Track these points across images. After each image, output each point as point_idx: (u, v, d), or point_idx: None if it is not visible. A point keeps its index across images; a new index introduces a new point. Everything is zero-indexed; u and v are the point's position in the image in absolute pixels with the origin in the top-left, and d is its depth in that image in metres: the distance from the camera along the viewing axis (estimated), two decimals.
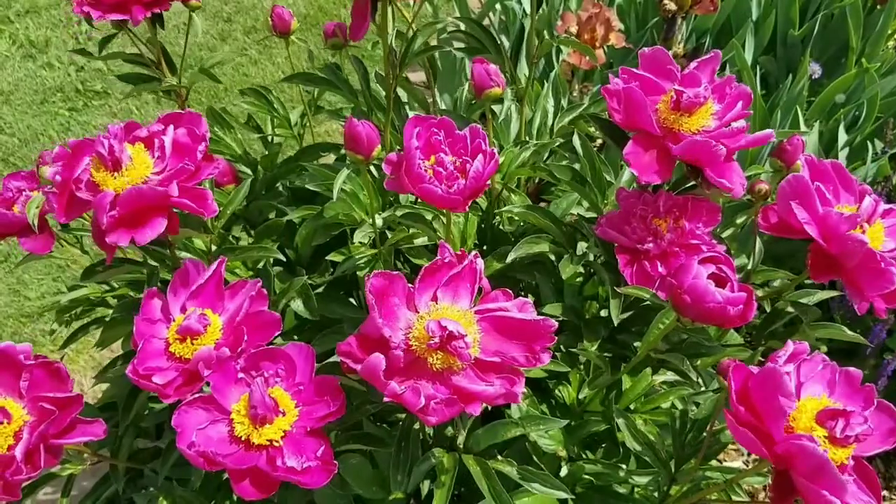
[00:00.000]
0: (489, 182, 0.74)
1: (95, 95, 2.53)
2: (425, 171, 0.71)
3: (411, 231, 0.86)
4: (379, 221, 0.88)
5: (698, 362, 0.93)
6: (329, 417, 0.64)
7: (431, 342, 0.61)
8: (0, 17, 2.79)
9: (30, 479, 0.62)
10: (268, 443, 0.62)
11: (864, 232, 0.77)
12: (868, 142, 1.54)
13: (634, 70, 0.81)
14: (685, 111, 0.79)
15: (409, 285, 0.65)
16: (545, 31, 1.57)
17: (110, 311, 0.94)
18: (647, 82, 0.81)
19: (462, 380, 0.63)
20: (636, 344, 0.89)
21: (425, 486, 0.89)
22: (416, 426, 0.77)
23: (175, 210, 0.69)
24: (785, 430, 0.63)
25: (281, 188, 1.02)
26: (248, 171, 1.04)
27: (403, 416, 0.80)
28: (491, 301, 0.68)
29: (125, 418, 0.84)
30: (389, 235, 0.87)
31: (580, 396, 0.92)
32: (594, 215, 0.97)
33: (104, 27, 1.02)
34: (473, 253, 0.67)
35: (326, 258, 0.86)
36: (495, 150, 0.72)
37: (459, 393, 0.62)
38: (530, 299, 0.69)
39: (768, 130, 0.83)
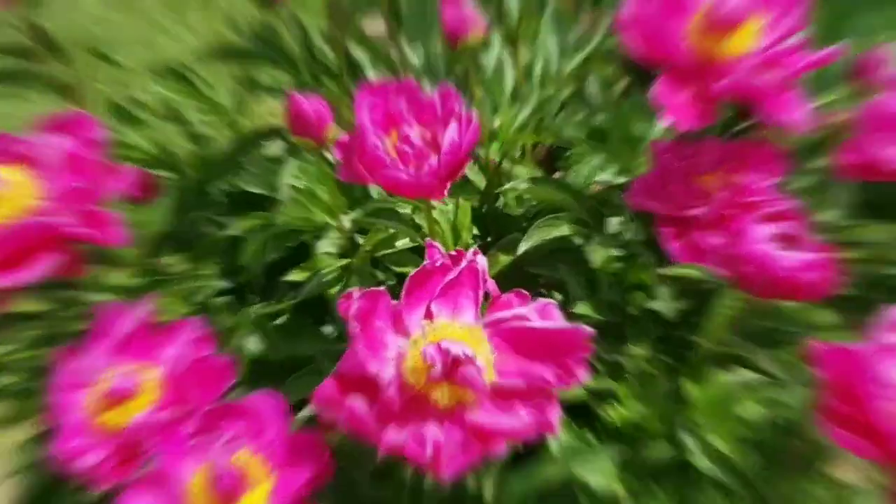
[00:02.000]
0: (480, 154, 0.74)
1: None
2: (385, 152, 0.70)
3: (391, 231, 0.86)
4: (347, 223, 0.88)
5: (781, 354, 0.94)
6: (312, 483, 0.64)
7: (432, 373, 0.60)
8: None
9: None
10: None
11: None
12: None
13: None
14: (723, 31, 0.79)
15: (395, 302, 0.65)
16: None
17: (11, 380, 0.94)
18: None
19: (479, 415, 0.62)
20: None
21: None
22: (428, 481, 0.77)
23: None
24: None
25: (218, 193, 1.02)
26: (172, 175, 1.04)
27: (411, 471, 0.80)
28: (503, 308, 0.67)
29: None
30: (362, 240, 0.87)
31: (633, 419, 0.93)
32: (625, 180, 0.97)
33: None
34: (472, 250, 0.66)
35: (284, 279, 0.86)
36: (473, 114, 0.72)
37: (477, 433, 0.61)
38: (554, 300, 0.69)
39: (838, 45, 0.83)
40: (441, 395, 0.61)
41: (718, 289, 0.82)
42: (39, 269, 0.67)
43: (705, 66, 0.79)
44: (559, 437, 0.87)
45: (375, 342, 0.63)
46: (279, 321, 0.90)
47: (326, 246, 0.88)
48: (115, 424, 0.67)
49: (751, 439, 0.86)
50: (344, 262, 0.87)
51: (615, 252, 0.96)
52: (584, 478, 0.87)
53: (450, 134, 0.70)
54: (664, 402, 0.92)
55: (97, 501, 0.92)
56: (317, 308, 0.96)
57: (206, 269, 0.87)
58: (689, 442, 0.82)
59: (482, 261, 0.66)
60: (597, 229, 0.89)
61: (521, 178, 0.91)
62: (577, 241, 0.94)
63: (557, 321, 0.65)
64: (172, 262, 0.99)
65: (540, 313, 0.66)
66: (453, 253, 0.66)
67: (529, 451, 0.88)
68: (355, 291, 0.62)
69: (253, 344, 0.83)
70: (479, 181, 0.98)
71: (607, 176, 1.00)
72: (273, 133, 1.02)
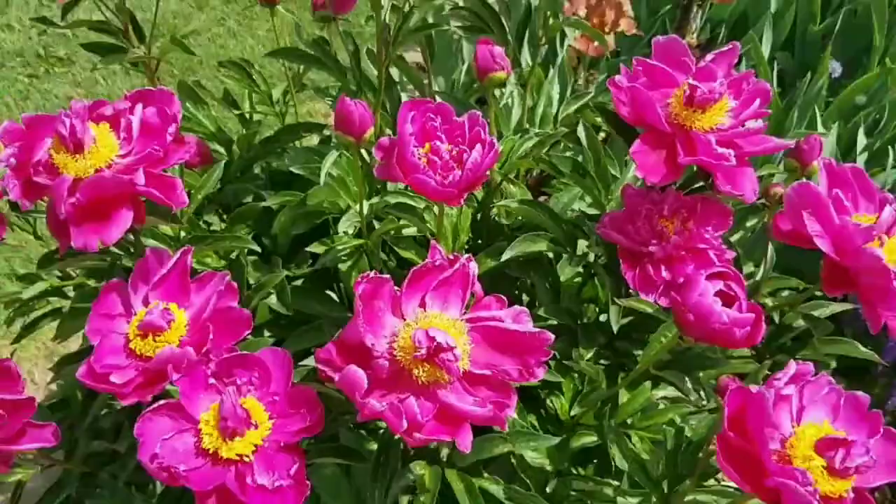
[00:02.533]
0: (488, 173, 0.74)
1: (58, 62, 2.51)
2: (419, 158, 0.71)
3: (400, 222, 0.86)
4: (366, 209, 0.87)
5: (701, 374, 0.94)
6: (305, 432, 0.64)
7: (418, 353, 0.60)
8: None
9: None
10: (237, 458, 0.61)
11: (882, 245, 0.77)
12: (889, 147, 1.56)
13: (648, 60, 0.81)
14: (699, 107, 0.79)
15: (396, 289, 0.65)
16: (552, 14, 1.58)
17: (67, 303, 0.93)
18: (660, 73, 0.81)
19: (449, 395, 0.63)
20: (637, 352, 0.90)
21: (404, 501, 0.89)
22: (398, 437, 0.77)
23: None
24: (781, 459, 0.63)
25: (259, 171, 1.02)
26: (223, 150, 1.03)
27: (384, 425, 0.80)
28: (484, 308, 0.68)
29: (81, 421, 0.83)
30: (377, 226, 0.86)
31: (572, 412, 0.93)
32: (597, 212, 0.97)
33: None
34: (466, 256, 0.67)
35: (307, 249, 0.86)
36: (495, 140, 0.72)
37: (446, 411, 0.62)
38: (526, 302, 0.69)
39: (786, 139, 0.83)
40: (422, 373, 0.61)
41: (660, 318, 0.83)
42: (121, 226, 0.66)
43: (679, 135, 0.80)
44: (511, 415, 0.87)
45: (375, 319, 0.63)
46: (296, 283, 0.89)
47: (346, 226, 0.87)
48: (144, 352, 0.66)
49: (664, 445, 0.86)
50: (358, 241, 0.87)
51: (580, 269, 0.97)
52: (524, 453, 0.87)
53: (474, 154, 0.72)
54: (600, 401, 0.93)
55: (124, 409, 0.91)
56: (330, 278, 0.95)
57: (241, 233, 0.86)
58: (611, 439, 0.82)
59: (473, 267, 0.67)
60: (568, 249, 0.89)
61: (514, 198, 0.91)
62: (551, 255, 0.95)
63: (526, 326, 0.66)
64: (215, 222, 0.98)
65: (513, 318, 0.67)
66: (451, 256, 0.67)
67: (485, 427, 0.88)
68: (370, 278, 0.63)
69: (271, 300, 0.83)
70: (479, 193, 0.98)
71: (584, 205, 1.00)
72: (315, 127, 1.01)
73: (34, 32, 2.57)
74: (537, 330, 0.65)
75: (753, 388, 0.66)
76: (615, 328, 0.85)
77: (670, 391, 0.93)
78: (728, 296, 0.71)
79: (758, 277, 0.95)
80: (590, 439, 0.90)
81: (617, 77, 0.81)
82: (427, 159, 0.71)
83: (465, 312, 0.67)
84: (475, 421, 0.62)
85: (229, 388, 0.63)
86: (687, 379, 0.81)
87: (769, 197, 0.91)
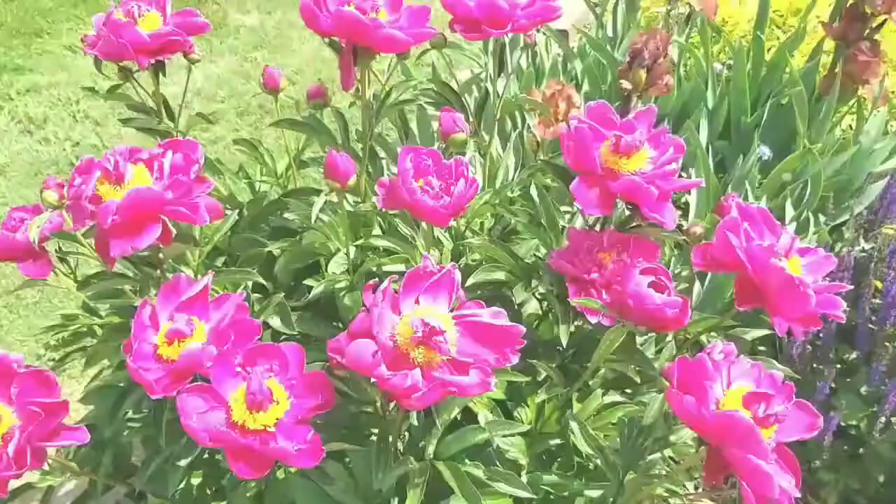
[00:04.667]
0: (466, 206, 0.84)
1: None
2: (417, 188, 0.82)
3: (382, 260, 0.95)
4: (352, 252, 0.97)
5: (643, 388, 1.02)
6: (318, 409, 0.73)
7: (415, 336, 0.69)
8: (1, 95, 2.93)
9: (16, 476, 0.69)
10: (262, 427, 0.70)
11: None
12: (812, 216, 1.66)
13: (581, 117, 0.92)
14: (624, 154, 0.90)
15: (395, 292, 0.74)
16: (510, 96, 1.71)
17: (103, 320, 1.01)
18: (592, 128, 0.92)
19: (441, 374, 0.71)
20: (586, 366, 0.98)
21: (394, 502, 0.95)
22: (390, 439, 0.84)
23: (168, 221, 0.78)
24: None
25: (265, 226, 1.11)
26: (234, 209, 1.13)
27: (377, 431, 0.87)
28: (466, 309, 0.77)
29: (110, 422, 0.90)
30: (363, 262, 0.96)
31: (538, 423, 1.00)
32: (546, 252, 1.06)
33: (105, 88, 1.13)
34: (452, 264, 0.76)
35: (303, 282, 0.94)
36: (476, 178, 0.83)
37: (439, 384, 0.70)
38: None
39: (699, 179, 0.94)
40: (418, 354, 0.70)
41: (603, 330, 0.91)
42: (150, 235, 0.76)
43: (608, 175, 0.90)
44: (487, 415, 0.94)
45: (380, 317, 0.71)
46: (296, 313, 0.98)
47: (335, 266, 0.96)
48: (170, 356, 0.75)
49: (615, 439, 0.94)
50: (347, 277, 0.96)
51: (538, 312, 1.06)
52: (501, 446, 0.94)
53: (459, 187, 0.84)
54: (559, 410, 1.00)
55: (143, 427, 0.98)
56: (326, 314, 1.04)
57: (247, 269, 0.94)
58: (574, 426, 0.89)
59: (457, 274, 0.77)
60: (524, 279, 0.97)
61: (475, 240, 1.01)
62: (514, 298, 1.03)
63: (502, 320, 0.75)
64: (223, 267, 1.07)
65: (491, 315, 0.76)
66: (440, 265, 0.76)
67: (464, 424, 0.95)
68: (373, 283, 0.73)
69: (274, 322, 0.91)
70: (448, 242, 1.07)
71: (539, 253, 1.10)
72: (314, 192, 1.11)
73: (68, 144, 2.72)
74: (511, 324, 0.74)
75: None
76: (564, 343, 0.93)
77: (617, 398, 1.01)
78: (659, 286, 0.82)
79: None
80: (554, 441, 0.97)
81: (564, 128, 0.92)
82: (422, 189, 0.82)
83: (451, 311, 0.75)
84: (465, 389, 0.70)
85: (256, 368, 0.71)
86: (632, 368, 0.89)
87: (691, 236, 1.01)
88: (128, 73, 1.05)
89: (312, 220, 0.88)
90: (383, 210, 0.87)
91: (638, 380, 0.89)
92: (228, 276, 0.92)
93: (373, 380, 0.68)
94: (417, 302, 0.74)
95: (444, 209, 0.83)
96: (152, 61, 0.97)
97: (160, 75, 1.03)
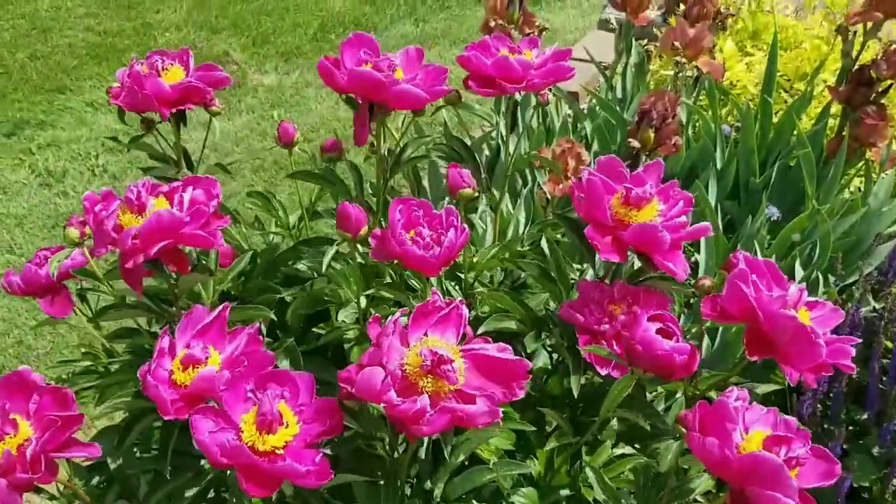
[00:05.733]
0: (460, 255, 0.85)
1: None
2: (406, 238, 0.82)
3: (392, 310, 0.95)
4: (363, 302, 0.98)
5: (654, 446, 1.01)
6: (326, 434, 0.73)
7: (423, 364, 0.69)
8: (23, 149, 2.99)
9: (29, 482, 0.70)
10: (271, 450, 0.70)
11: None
12: (822, 276, 1.66)
13: (592, 171, 0.94)
14: (634, 206, 0.91)
15: (404, 326, 0.75)
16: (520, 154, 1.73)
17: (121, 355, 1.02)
18: (602, 181, 0.93)
19: (450, 403, 0.71)
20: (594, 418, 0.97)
21: None
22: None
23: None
24: None
25: (278, 275, 1.12)
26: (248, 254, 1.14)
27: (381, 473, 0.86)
28: (473, 343, 0.77)
29: (117, 450, 0.89)
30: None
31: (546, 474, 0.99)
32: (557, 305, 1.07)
33: (126, 136, 1.16)
34: (459, 299, 0.77)
35: (313, 329, 0.95)
36: (466, 227, 0.84)
37: (447, 412, 0.70)
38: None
39: (706, 224, 0.95)
40: (426, 383, 0.70)
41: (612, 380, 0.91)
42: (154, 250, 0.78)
43: (619, 226, 0.91)
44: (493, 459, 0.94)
45: (389, 349, 0.72)
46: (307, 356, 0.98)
47: (343, 316, 0.97)
48: (184, 381, 0.76)
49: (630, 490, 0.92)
50: (357, 326, 0.96)
51: (548, 366, 1.06)
52: (513, 498, 0.93)
53: (449, 236, 0.84)
54: (569, 461, 0.99)
55: (151, 459, 0.98)
56: (335, 361, 1.04)
57: (261, 307, 0.95)
58: (590, 474, 0.88)
59: (465, 310, 0.77)
60: (534, 330, 0.98)
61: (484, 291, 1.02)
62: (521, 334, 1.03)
63: (509, 354, 0.75)
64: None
65: (499, 350, 0.76)
66: (447, 300, 0.77)
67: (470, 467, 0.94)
68: (378, 316, 0.73)
69: (284, 365, 0.91)
70: (457, 294, 1.08)
71: (550, 306, 1.10)
72: (327, 241, 1.13)
73: None
74: (518, 358, 0.74)
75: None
76: (575, 393, 0.93)
77: (627, 449, 1.00)
78: (667, 332, 0.82)
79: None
80: (565, 492, 0.96)
81: (575, 179, 0.94)
82: (412, 241, 0.83)
83: (459, 345, 0.75)
84: (472, 418, 0.70)
85: (268, 392, 0.72)
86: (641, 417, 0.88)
87: (700, 289, 1.01)
88: (150, 124, 1.07)
89: (323, 268, 0.89)
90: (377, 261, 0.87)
91: (648, 428, 0.89)
92: (241, 312, 0.92)
93: (382, 408, 0.68)
94: (426, 335, 0.75)
95: (434, 258, 0.83)
96: (174, 111, 1.00)
97: (181, 126, 1.05)
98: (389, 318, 0.72)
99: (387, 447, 0.80)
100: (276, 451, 0.70)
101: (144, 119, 1.07)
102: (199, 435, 0.69)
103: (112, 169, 2.89)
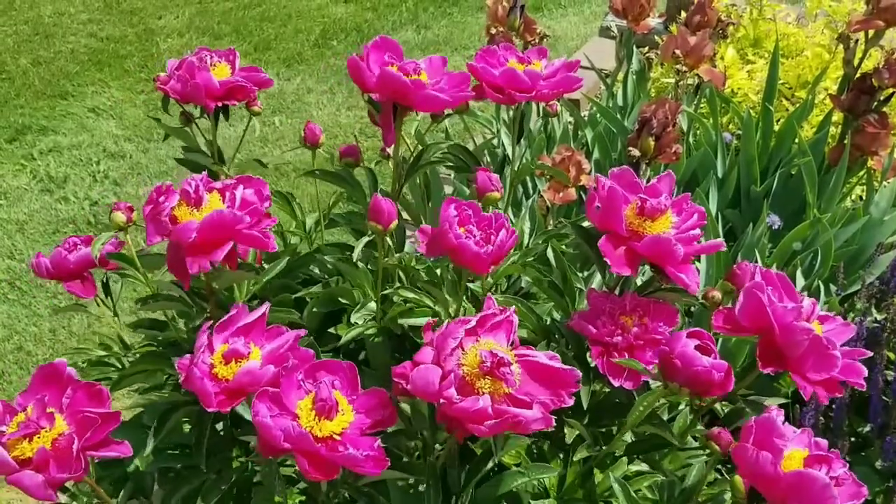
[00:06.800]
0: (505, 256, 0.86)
1: (105, 228, 2.66)
2: (462, 233, 0.84)
3: (408, 306, 0.96)
4: (372, 305, 0.98)
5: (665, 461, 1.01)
6: (380, 424, 0.73)
7: (483, 365, 0.69)
8: (24, 155, 2.98)
9: (61, 481, 0.69)
10: (329, 435, 0.70)
11: None
12: (823, 285, 1.66)
13: (606, 179, 0.93)
14: (649, 216, 0.90)
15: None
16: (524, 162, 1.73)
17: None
18: (618, 191, 0.93)
19: (505, 405, 0.70)
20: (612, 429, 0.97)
21: None
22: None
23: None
24: None
25: (298, 275, 1.13)
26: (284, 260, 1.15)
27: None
28: (523, 349, 0.77)
29: (158, 432, 0.89)
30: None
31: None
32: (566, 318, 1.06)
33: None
34: (513, 308, 0.78)
35: (328, 330, 0.95)
36: (515, 230, 0.86)
37: (503, 415, 0.70)
38: None
39: (719, 240, 0.94)
40: (484, 385, 0.70)
41: (624, 403, 0.90)
42: (224, 250, 0.79)
43: (633, 237, 0.90)
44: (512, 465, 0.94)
45: (445, 349, 0.72)
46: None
47: (357, 317, 0.97)
48: (225, 375, 0.75)
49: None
50: (374, 325, 0.97)
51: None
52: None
53: (501, 235, 0.85)
54: (584, 476, 0.99)
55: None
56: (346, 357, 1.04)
57: (286, 310, 0.96)
58: (615, 485, 0.87)
59: (515, 318, 0.78)
60: (543, 337, 0.97)
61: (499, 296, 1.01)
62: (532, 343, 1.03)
63: (558, 363, 0.75)
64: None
65: (548, 357, 0.76)
66: (502, 308, 0.78)
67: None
68: (432, 322, 0.75)
69: None
70: (471, 309, 1.07)
71: (556, 315, 1.10)
72: (345, 247, 1.13)
73: (87, 204, 2.75)
74: (569, 367, 0.74)
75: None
76: (585, 404, 0.92)
77: (643, 467, 0.99)
78: (704, 349, 0.81)
79: None
80: None
81: (593, 184, 0.94)
82: (465, 235, 0.85)
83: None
84: (527, 423, 0.70)
85: (325, 378, 0.72)
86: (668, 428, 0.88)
87: (709, 300, 1.01)
88: (190, 117, 1.09)
89: (354, 258, 0.90)
90: (426, 257, 0.89)
91: (676, 442, 0.88)
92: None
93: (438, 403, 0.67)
94: (478, 340, 0.75)
95: (487, 256, 0.84)
96: (219, 104, 1.02)
97: (220, 118, 1.07)
98: (443, 322, 0.72)
99: (427, 440, 0.80)
100: (335, 437, 0.70)
101: (184, 112, 1.10)
102: (262, 417, 0.69)
103: (113, 175, 2.88)
